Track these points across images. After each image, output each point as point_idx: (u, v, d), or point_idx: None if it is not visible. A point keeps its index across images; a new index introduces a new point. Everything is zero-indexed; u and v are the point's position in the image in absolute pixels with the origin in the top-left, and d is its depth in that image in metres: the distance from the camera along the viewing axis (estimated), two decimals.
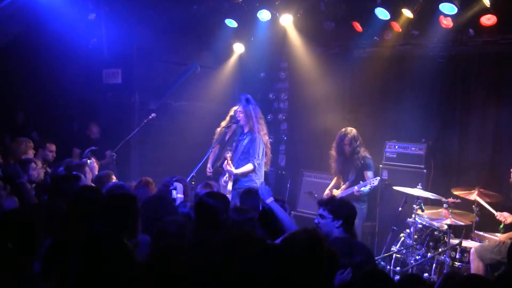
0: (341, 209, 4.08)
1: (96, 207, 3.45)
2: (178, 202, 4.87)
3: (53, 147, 6.93)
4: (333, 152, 6.92)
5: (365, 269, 3.81)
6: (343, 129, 6.82)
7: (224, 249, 2.42)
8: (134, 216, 3.43)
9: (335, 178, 7.09)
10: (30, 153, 6.10)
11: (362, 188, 6.31)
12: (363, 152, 6.72)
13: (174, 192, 4.92)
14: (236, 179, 6.46)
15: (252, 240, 2.47)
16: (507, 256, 3.50)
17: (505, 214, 5.60)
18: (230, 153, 6.58)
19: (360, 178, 6.58)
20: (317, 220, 4.15)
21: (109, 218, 3.27)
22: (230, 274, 2.32)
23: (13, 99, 8.33)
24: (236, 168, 6.43)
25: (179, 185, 4.98)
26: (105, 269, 2.31)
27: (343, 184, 6.90)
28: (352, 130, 6.75)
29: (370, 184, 6.29)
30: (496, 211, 5.78)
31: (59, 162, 6.32)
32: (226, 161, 6.43)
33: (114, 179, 5.38)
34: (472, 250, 5.45)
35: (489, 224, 5.98)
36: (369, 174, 6.60)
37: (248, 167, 6.40)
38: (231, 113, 6.91)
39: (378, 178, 6.46)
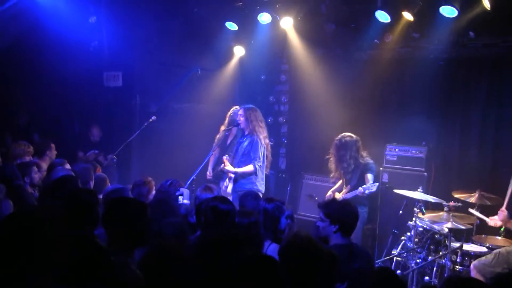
0: (336, 213, 3.92)
1: (92, 211, 3.38)
2: (183, 208, 4.82)
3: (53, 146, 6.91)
4: (331, 158, 6.80)
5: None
6: (340, 136, 6.61)
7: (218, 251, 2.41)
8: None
9: (340, 180, 6.94)
10: (26, 159, 6.02)
11: (366, 192, 6.20)
12: (364, 157, 6.59)
13: (180, 198, 4.85)
14: (236, 181, 6.47)
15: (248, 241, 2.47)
16: None
17: (496, 217, 5.56)
18: (227, 156, 6.60)
19: (361, 182, 6.48)
20: (318, 223, 4.07)
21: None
22: (226, 277, 2.33)
23: (15, 101, 8.35)
24: None
25: (185, 191, 4.91)
26: None
27: (345, 188, 6.86)
28: (352, 138, 6.55)
29: (369, 189, 6.19)
30: (496, 212, 5.73)
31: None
32: (223, 164, 6.44)
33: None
34: (471, 267, 5.41)
35: (490, 227, 5.95)
36: (369, 176, 6.47)
37: (249, 167, 6.40)
38: (229, 118, 6.92)
39: (377, 184, 6.31)
